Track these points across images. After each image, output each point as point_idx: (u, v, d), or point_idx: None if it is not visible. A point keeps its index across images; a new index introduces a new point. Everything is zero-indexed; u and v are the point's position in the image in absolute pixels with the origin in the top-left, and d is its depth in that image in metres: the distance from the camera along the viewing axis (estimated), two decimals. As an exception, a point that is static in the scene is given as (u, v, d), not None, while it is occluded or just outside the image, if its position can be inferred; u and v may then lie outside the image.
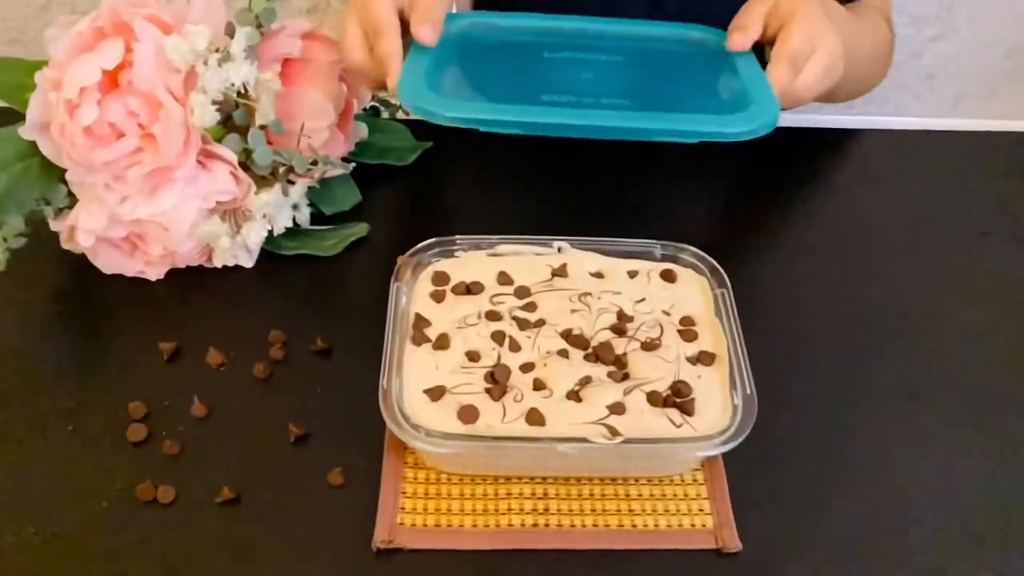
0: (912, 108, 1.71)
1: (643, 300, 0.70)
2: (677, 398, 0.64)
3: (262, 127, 0.75)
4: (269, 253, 0.79)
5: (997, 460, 0.68)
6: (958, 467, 0.68)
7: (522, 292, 0.70)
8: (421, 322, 0.67)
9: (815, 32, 0.72)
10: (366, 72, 0.73)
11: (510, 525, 0.63)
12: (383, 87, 0.71)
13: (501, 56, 0.77)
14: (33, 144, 0.74)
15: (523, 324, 0.68)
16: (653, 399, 0.64)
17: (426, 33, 0.70)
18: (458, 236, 0.73)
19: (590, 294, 0.70)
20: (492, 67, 0.75)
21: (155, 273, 0.78)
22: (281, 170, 0.77)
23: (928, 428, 0.70)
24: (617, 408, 0.63)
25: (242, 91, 0.74)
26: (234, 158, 0.74)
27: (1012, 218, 0.89)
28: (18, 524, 0.62)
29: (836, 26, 0.74)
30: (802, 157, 0.94)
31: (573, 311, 0.68)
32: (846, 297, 0.80)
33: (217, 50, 0.72)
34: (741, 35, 0.73)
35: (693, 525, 0.63)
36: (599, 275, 0.72)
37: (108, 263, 0.77)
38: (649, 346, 0.67)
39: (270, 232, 0.78)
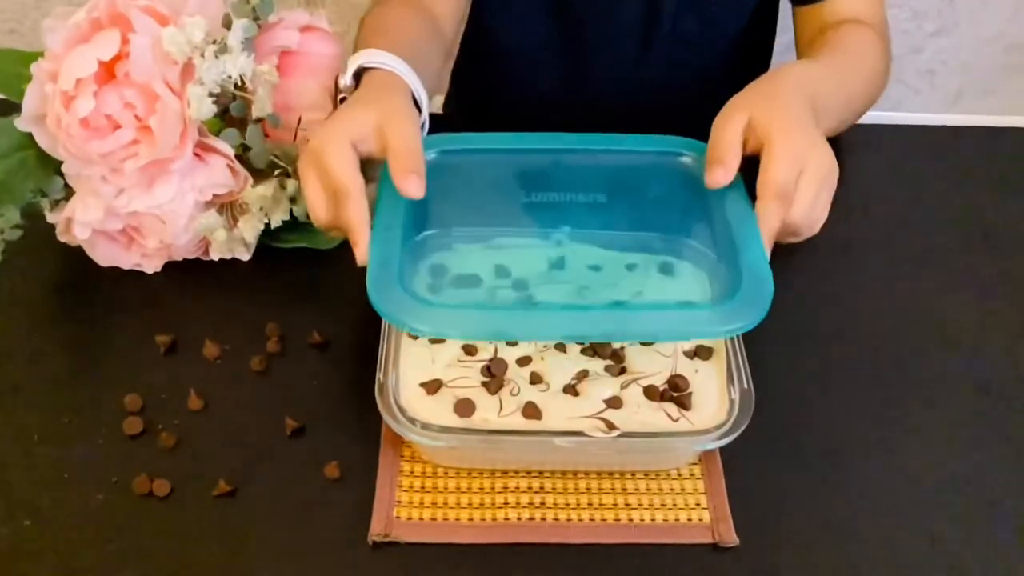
0: (912, 103, 1.71)
1: (641, 293, 0.69)
2: (674, 392, 0.63)
3: (259, 120, 0.75)
4: (266, 246, 0.79)
5: (998, 458, 0.68)
6: (957, 463, 0.68)
7: (520, 284, 0.69)
8: (418, 315, 0.67)
9: (797, 151, 0.64)
10: (335, 231, 0.67)
11: (506, 519, 0.63)
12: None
13: (477, 203, 0.73)
14: (29, 135, 0.73)
15: (520, 317, 0.67)
16: (650, 393, 0.63)
17: (412, 187, 0.63)
18: (455, 228, 0.73)
19: (588, 287, 0.69)
20: (468, 224, 0.71)
21: (152, 266, 0.78)
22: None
23: (927, 423, 0.70)
24: (614, 402, 0.63)
25: (239, 83, 0.73)
26: (231, 151, 0.74)
27: (1012, 214, 0.88)
28: (13, 515, 0.62)
29: (819, 117, 0.69)
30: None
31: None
32: (844, 291, 0.80)
33: (214, 42, 0.72)
34: (722, 171, 0.66)
35: (690, 519, 0.63)
36: (597, 267, 0.71)
37: (105, 256, 0.77)
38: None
39: (267, 225, 0.77)
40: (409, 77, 0.73)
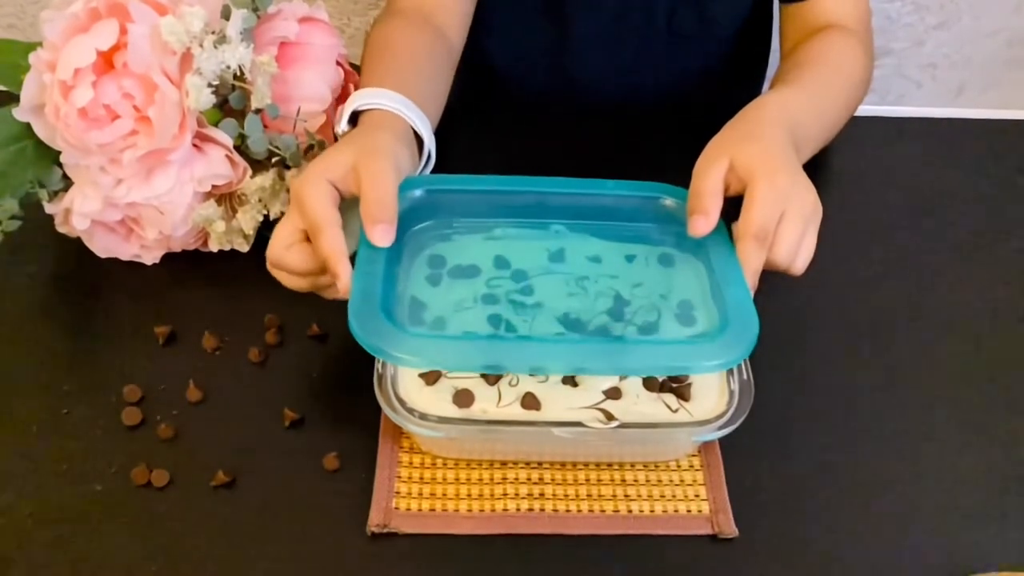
0: (914, 97, 1.70)
1: (641, 284, 0.69)
2: (673, 383, 0.63)
3: (258, 111, 0.75)
4: (265, 238, 0.78)
5: (997, 451, 0.68)
6: (956, 456, 0.67)
7: (519, 275, 0.69)
8: (417, 306, 0.67)
9: (779, 192, 0.64)
10: (299, 271, 0.66)
11: (505, 510, 0.63)
12: (321, 289, 0.66)
13: (459, 219, 0.72)
14: (27, 126, 0.73)
15: (520, 308, 0.67)
16: (649, 384, 0.63)
17: (379, 237, 0.63)
18: (455, 219, 0.73)
19: (587, 278, 0.69)
20: (448, 248, 0.71)
21: (151, 257, 0.78)
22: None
23: (927, 417, 0.70)
24: (613, 393, 0.63)
25: (238, 74, 0.73)
26: (230, 141, 0.74)
27: (1013, 208, 0.88)
28: (12, 507, 0.62)
29: (799, 147, 0.69)
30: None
31: (570, 295, 0.68)
32: (845, 284, 0.79)
33: (213, 32, 0.72)
34: (703, 220, 0.66)
35: (689, 511, 0.63)
36: (597, 259, 0.71)
37: (103, 247, 0.77)
38: (646, 330, 0.66)
39: (266, 217, 0.77)
40: (407, 111, 0.73)
